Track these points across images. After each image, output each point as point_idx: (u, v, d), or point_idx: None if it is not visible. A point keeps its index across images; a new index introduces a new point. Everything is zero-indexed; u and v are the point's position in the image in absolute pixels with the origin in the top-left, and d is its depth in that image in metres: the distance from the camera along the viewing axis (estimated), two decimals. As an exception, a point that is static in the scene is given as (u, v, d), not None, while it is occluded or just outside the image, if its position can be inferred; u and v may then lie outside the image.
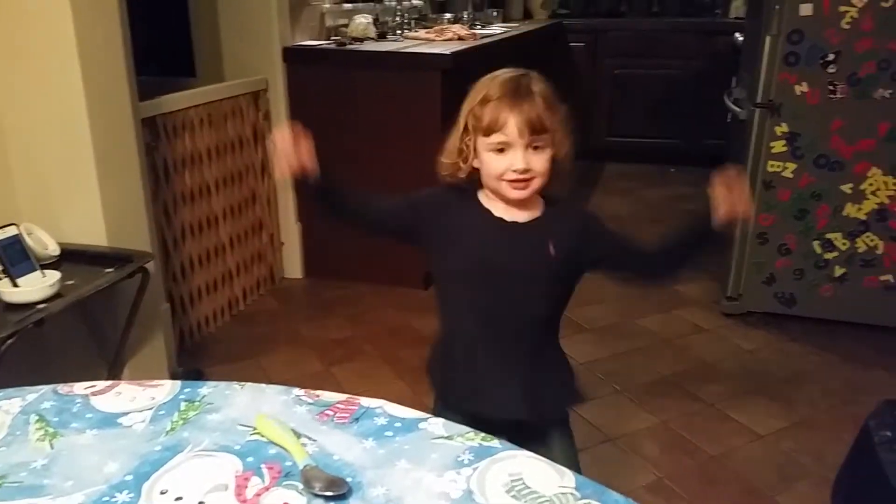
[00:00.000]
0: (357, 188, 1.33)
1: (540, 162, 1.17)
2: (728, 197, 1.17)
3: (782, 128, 2.56)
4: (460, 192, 1.25)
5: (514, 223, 1.22)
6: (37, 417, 0.94)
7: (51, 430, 0.91)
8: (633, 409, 2.27)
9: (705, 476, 1.97)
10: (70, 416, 0.94)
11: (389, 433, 0.90)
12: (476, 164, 1.20)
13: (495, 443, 0.88)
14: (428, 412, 0.96)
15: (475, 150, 1.20)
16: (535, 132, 1.15)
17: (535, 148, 1.17)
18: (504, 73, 1.20)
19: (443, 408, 1.31)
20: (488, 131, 1.17)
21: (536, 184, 1.19)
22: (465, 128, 1.20)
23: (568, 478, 0.82)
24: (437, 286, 1.32)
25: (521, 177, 1.17)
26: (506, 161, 1.17)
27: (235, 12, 2.88)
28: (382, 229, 1.36)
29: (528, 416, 1.28)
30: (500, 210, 1.23)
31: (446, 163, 1.24)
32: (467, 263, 1.24)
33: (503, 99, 1.16)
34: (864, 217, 2.57)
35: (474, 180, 1.23)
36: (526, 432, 1.23)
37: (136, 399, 0.98)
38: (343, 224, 1.35)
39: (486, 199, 1.24)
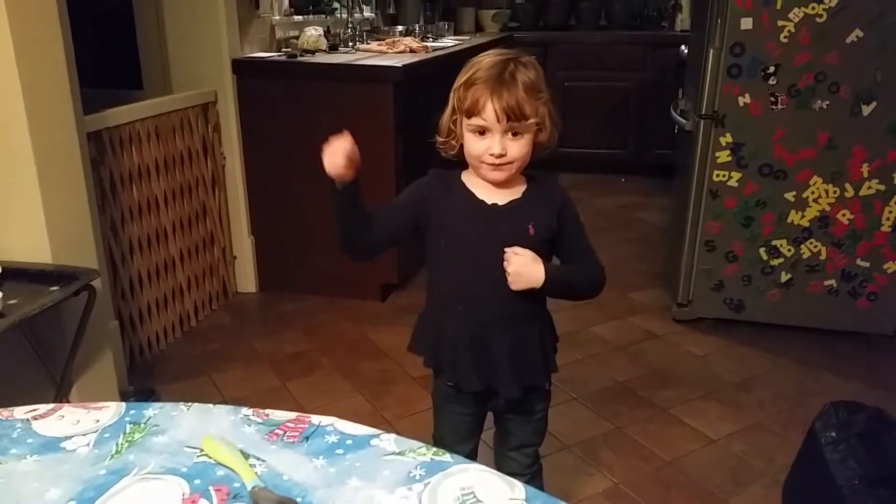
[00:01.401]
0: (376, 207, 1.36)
1: (517, 148, 1.21)
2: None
3: (727, 138, 2.62)
4: (444, 177, 1.31)
5: (495, 206, 1.27)
6: (-26, 445, 0.91)
7: (-11, 457, 0.88)
8: (588, 416, 2.29)
9: (661, 481, 2.00)
10: (9, 442, 0.91)
11: (340, 451, 0.89)
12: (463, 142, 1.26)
13: (447, 457, 0.88)
14: (386, 425, 0.96)
15: (460, 129, 1.25)
16: (513, 119, 1.19)
17: (514, 134, 1.21)
18: (492, 56, 1.23)
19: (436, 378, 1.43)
20: (469, 113, 1.21)
21: (514, 168, 1.24)
22: (453, 107, 1.25)
23: (518, 489, 0.82)
24: (427, 266, 1.38)
25: (497, 161, 1.21)
26: (484, 144, 1.22)
27: (183, 23, 2.84)
28: (386, 245, 1.38)
29: (509, 389, 1.35)
30: (481, 192, 1.28)
31: (440, 140, 1.29)
32: (452, 246, 1.30)
33: (485, 83, 1.19)
34: (807, 224, 2.65)
35: (460, 161, 1.29)
36: (509, 400, 1.37)
37: (80, 422, 0.95)
38: (352, 246, 1.38)
39: (469, 181, 1.29)
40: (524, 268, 1.25)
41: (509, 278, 1.25)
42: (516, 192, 1.28)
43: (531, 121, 1.20)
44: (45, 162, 1.86)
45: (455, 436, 1.47)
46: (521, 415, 1.45)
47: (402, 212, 1.34)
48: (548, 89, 1.24)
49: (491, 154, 1.21)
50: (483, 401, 1.42)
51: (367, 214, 1.32)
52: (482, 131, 1.21)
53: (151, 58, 2.94)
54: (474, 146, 1.23)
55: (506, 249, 1.25)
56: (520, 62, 1.22)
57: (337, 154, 1.22)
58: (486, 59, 1.23)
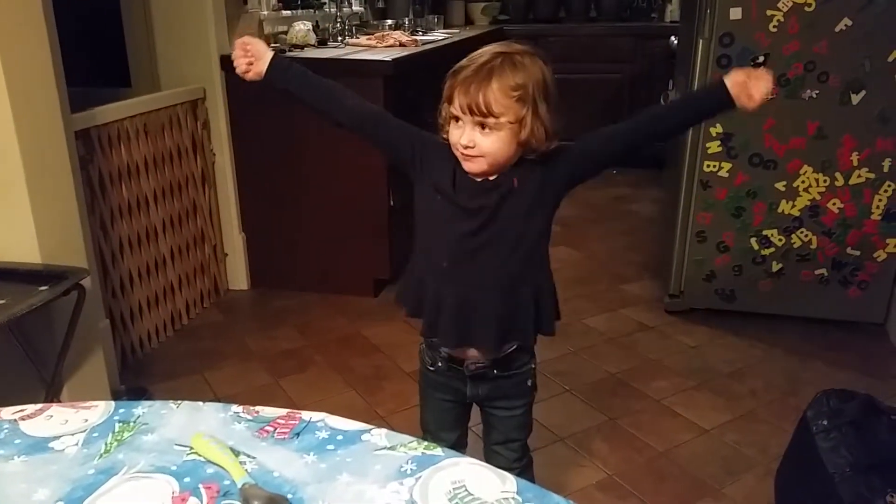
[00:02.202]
0: (330, 82, 1.42)
1: (487, 143, 1.20)
2: (745, 84, 1.22)
3: (717, 128, 2.62)
4: (448, 148, 1.29)
5: (483, 181, 1.26)
6: (-38, 446, 0.90)
7: (-23, 458, 0.88)
8: (582, 408, 2.30)
9: (654, 472, 2.00)
10: (-3, 443, 0.90)
11: (331, 446, 0.88)
12: None
13: (438, 451, 0.87)
14: (379, 420, 0.96)
15: (446, 115, 1.25)
16: (478, 114, 1.18)
17: (484, 128, 1.20)
18: (490, 49, 1.23)
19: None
20: (448, 101, 1.23)
21: (485, 163, 1.22)
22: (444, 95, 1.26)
23: (510, 482, 0.82)
24: (415, 214, 1.36)
25: (466, 152, 1.21)
26: (457, 133, 1.22)
27: (170, 20, 2.82)
28: (361, 122, 1.39)
29: (488, 344, 1.34)
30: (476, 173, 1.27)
31: (440, 124, 1.28)
32: (437, 208, 1.29)
33: (463, 75, 1.20)
34: (797, 213, 2.65)
35: None
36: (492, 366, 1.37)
37: (69, 422, 0.95)
38: (329, 119, 1.42)
39: None
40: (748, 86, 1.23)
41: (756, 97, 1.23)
42: (514, 179, 1.27)
43: (502, 119, 1.19)
44: (33, 161, 1.85)
45: (438, 423, 1.48)
46: (502, 397, 1.43)
47: (403, 133, 1.34)
48: (543, 91, 1.22)
49: (461, 144, 1.21)
50: (462, 388, 1.40)
51: (321, 86, 1.40)
52: (457, 119, 1.22)
53: (139, 55, 2.92)
54: (451, 134, 1.24)
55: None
56: (511, 60, 1.21)
57: (239, 59, 1.33)
58: (482, 51, 1.23)
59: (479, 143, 1.20)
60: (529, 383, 1.45)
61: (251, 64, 1.39)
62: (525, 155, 1.24)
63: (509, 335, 1.34)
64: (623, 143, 1.34)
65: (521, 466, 1.50)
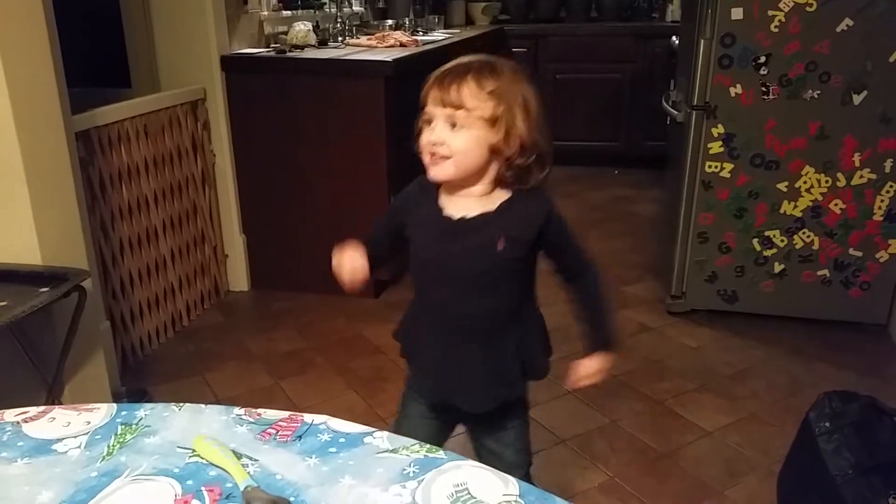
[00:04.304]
0: (379, 240, 1.38)
1: (457, 140, 1.16)
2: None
3: (718, 129, 2.62)
4: (425, 188, 1.27)
5: (462, 220, 1.22)
6: (-37, 449, 0.90)
7: (-21, 461, 0.87)
8: (583, 409, 2.29)
9: (656, 474, 2.00)
10: (0, 446, 0.90)
11: (333, 449, 0.88)
12: None
13: (440, 454, 0.87)
14: (381, 422, 0.96)
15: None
16: (450, 106, 1.16)
17: (453, 125, 1.17)
18: (462, 58, 1.22)
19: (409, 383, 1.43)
20: (422, 105, 1.20)
21: (452, 165, 1.18)
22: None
23: (512, 485, 0.81)
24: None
25: (433, 150, 1.18)
26: (427, 134, 1.19)
27: (170, 20, 2.82)
28: (389, 254, 1.38)
29: (481, 406, 1.33)
30: (453, 205, 1.23)
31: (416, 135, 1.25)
32: (420, 261, 1.29)
33: (438, 76, 1.19)
34: (799, 214, 2.65)
35: None
36: (483, 417, 1.35)
37: (71, 424, 0.94)
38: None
39: (443, 196, 1.25)
40: (595, 376, 1.35)
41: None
42: (491, 205, 1.22)
43: (474, 114, 1.15)
44: (33, 162, 1.84)
45: (411, 434, 1.45)
46: (490, 427, 1.41)
47: (388, 222, 1.36)
48: (523, 105, 1.19)
49: (429, 142, 1.18)
50: (446, 410, 1.38)
51: (387, 242, 1.37)
52: (430, 121, 1.19)
53: (139, 56, 2.92)
54: (422, 139, 1.20)
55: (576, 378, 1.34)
56: (493, 66, 1.19)
57: (345, 280, 1.30)
58: (454, 61, 1.21)
59: (449, 140, 1.16)
60: (523, 395, 1.41)
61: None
62: (500, 176, 1.20)
63: (496, 391, 1.32)
64: (557, 266, 1.33)
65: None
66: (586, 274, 1.34)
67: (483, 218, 1.22)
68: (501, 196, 1.23)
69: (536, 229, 1.23)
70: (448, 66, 1.20)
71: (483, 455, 1.44)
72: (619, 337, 1.39)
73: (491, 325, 1.28)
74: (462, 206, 1.23)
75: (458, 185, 1.22)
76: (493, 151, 1.18)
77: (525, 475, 1.46)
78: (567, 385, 1.36)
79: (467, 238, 1.22)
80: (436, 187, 1.26)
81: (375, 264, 1.31)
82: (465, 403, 1.33)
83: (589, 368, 1.35)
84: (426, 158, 1.20)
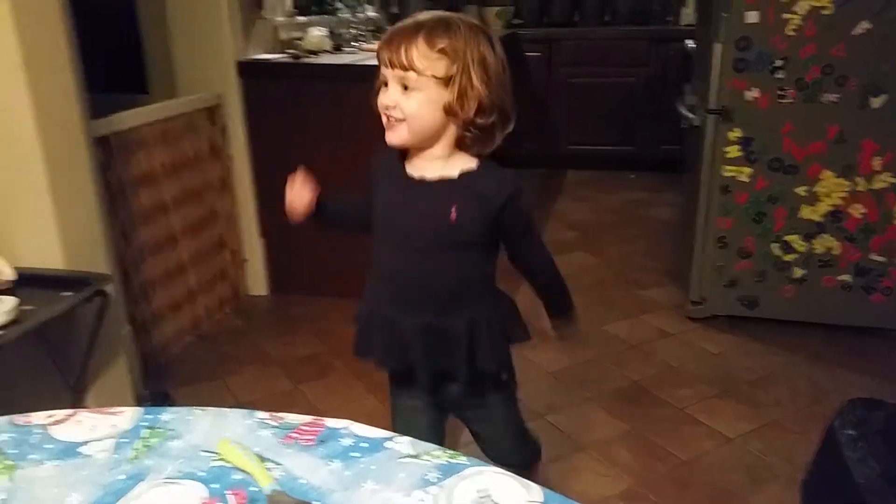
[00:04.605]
0: (348, 200, 1.38)
1: (408, 104, 1.13)
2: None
3: (735, 133, 2.60)
4: (393, 154, 1.24)
5: (422, 181, 1.20)
6: (-7, 451, 0.91)
7: (9, 462, 0.88)
8: (603, 416, 2.28)
9: (677, 481, 1.98)
10: (29, 448, 0.91)
11: (355, 454, 0.88)
12: None
13: (462, 459, 0.87)
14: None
15: None
16: (398, 67, 1.11)
17: (406, 88, 1.13)
18: (423, 14, 1.17)
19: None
20: (378, 65, 1.17)
21: (406, 129, 1.15)
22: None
23: (535, 492, 0.81)
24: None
25: (388, 113, 1.15)
26: (382, 97, 1.16)
27: (187, 27, 2.85)
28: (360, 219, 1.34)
29: (423, 378, 1.29)
30: (415, 165, 1.21)
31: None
32: (380, 220, 1.26)
33: (388, 36, 1.15)
34: (819, 219, 2.63)
35: None
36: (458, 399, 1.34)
37: (97, 427, 0.95)
38: (349, 234, 1.40)
39: (409, 156, 1.23)
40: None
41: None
42: (452, 170, 1.19)
43: (426, 75, 1.11)
44: (55, 168, 1.87)
45: (407, 430, 1.42)
46: (471, 409, 1.39)
47: (365, 192, 1.32)
48: (481, 63, 1.13)
49: (383, 105, 1.15)
50: (430, 390, 1.34)
51: (357, 210, 1.33)
52: (385, 83, 1.15)
53: (156, 62, 2.95)
54: (378, 101, 1.17)
55: None
56: (447, 23, 1.13)
57: (291, 208, 1.29)
58: (419, 14, 1.17)
59: (402, 104, 1.13)
60: (504, 377, 1.38)
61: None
62: (460, 138, 1.17)
63: (445, 360, 1.28)
64: (509, 251, 1.31)
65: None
66: (539, 261, 1.33)
67: (441, 183, 1.19)
68: (466, 163, 1.20)
69: (493, 211, 1.19)
70: (400, 24, 1.16)
71: (482, 447, 1.44)
72: (569, 304, 1.41)
73: (441, 297, 1.24)
74: (422, 167, 1.21)
75: (417, 147, 1.19)
76: (449, 112, 1.14)
77: (525, 463, 1.45)
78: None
79: (422, 201, 1.20)
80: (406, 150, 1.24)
81: (331, 215, 1.34)
82: (419, 370, 1.29)
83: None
84: (384, 121, 1.18)
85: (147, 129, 2.53)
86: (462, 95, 1.12)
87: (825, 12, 2.40)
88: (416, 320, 1.24)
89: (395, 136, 1.17)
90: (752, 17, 2.47)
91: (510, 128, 1.19)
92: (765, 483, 1.96)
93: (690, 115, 2.89)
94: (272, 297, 3.19)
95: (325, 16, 3.60)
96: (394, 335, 1.27)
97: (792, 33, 2.45)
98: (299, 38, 3.26)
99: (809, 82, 2.48)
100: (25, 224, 1.90)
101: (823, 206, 2.61)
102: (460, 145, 1.19)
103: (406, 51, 1.10)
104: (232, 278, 3.09)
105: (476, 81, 1.12)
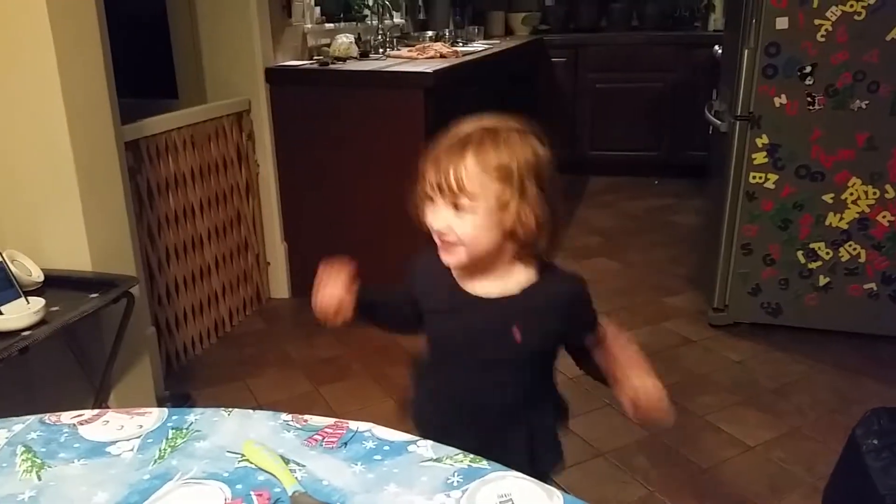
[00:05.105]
0: (391, 295, 1.24)
1: (462, 227, 1.03)
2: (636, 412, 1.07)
3: (763, 139, 2.59)
4: (433, 256, 1.12)
5: (480, 299, 1.10)
6: (23, 448, 0.93)
7: (38, 461, 0.90)
8: (622, 422, 2.27)
9: (697, 489, 1.97)
10: (57, 447, 0.93)
11: (378, 457, 0.89)
12: None
13: (484, 464, 0.88)
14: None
15: None
16: (450, 193, 1.02)
17: (457, 208, 1.03)
18: (468, 125, 1.07)
19: None
20: (421, 177, 1.07)
21: (464, 252, 1.05)
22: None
23: (557, 498, 0.81)
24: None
25: (442, 238, 1.06)
26: (430, 216, 1.06)
27: (217, 33, 2.89)
28: (400, 318, 1.24)
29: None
30: (467, 281, 1.11)
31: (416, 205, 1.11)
32: (434, 335, 1.17)
33: (436, 149, 1.06)
34: (845, 226, 2.60)
35: None
36: None
37: (124, 427, 0.97)
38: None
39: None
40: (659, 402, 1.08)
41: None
42: (512, 285, 1.09)
43: (478, 200, 1.01)
44: (86, 171, 1.90)
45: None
46: None
47: (404, 295, 1.21)
48: (534, 173, 1.03)
49: (433, 228, 1.05)
50: None
51: (400, 308, 1.21)
52: (432, 200, 1.05)
53: (186, 67, 2.99)
54: (427, 219, 1.07)
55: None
56: (494, 136, 1.03)
57: (324, 301, 1.15)
58: (465, 124, 1.07)
59: (455, 227, 1.03)
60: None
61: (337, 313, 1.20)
62: (519, 254, 1.08)
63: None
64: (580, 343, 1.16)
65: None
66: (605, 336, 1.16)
67: (505, 301, 1.09)
68: (525, 275, 1.10)
69: (561, 321, 1.10)
70: (444, 139, 1.06)
71: None
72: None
73: (502, 411, 1.15)
74: (477, 282, 1.10)
75: (471, 267, 1.09)
76: (508, 235, 1.05)
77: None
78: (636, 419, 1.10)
79: (480, 320, 1.10)
80: None
81: (369, 310, 1.20)
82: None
83: (648, 390, 1.09)
84: (435, 239, 1.07)
85: (176, 134, 2.56)
86: (520, 217, 1.03)
87: (857, 18, 2.38)
88: (471, 432, 1.13)
89: (453, 259, 1.07)
90: (782, 23, 2.45)
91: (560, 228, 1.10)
92: (786, 492, 1.94)
93: (718, 122, 2.87)
94: (294, 301, 3.22)
95: (352, 23, 3.63)
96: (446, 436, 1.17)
97: (823, 39, 2.43)
98: (327, 45, 3.29)
99: (840, 89, 2.46)
100: (54, 226, 1.93)
101: (850, 214, 2.58)
102: (520, 258, 1.09)
103: (455, 173, 1.01)
104: (255, 281, 3.12)
105: (532, 196, 1.03)
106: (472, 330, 1.11)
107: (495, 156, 1.02)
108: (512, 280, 1.09)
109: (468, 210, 1.02)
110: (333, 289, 1.15)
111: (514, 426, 1.16)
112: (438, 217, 1.04)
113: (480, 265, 1.08)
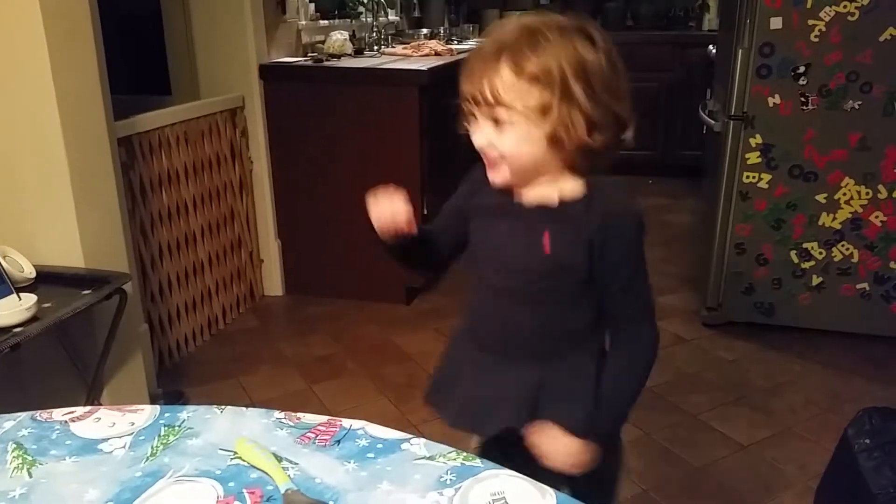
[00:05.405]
0: (427, 232, 1.14)
1: (504, 142, 0.97)
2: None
3: (756, 139, 2.59)
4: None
5: (519, 206, 1.04)
6: (14, 445, 0.92)
7: (29, 458, 0.89)
8: (616, 421, 2.28)
9: (690, 488, 1.98)
10: (49, 444, 0.92)
11: (371, 455, 0.89)
12: None
13: (477, 462, 0.87)
14: (412, 429, 0.96)
15: None
16: (486, 105, 0.96)
17: (497, 123, 0.97)
18: (506, 26, 0.98)
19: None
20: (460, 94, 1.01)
21: (508, 169, 1.00)
22: None
23: (549, 496, 0.81)
24: None
25: (484, 152, 1.01)
26: (474, 135, 1.01)
27: (211, 29, 2.87)
28: (455, 253, 1.16)
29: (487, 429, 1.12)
30: (519, 188, 1.04)
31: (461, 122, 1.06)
32: (473, 241, 1.11)
33: (468, 66, 0.99)
34: (838, 226, 2.61)
35: None
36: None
37: (116, 425, 0.96)
38: (425, 272, 1.24)
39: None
40: (554, 453, 1.03)
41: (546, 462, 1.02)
42: (557, 194, 1.02)
43: (517, 108, 0.94)
44: (78, 168, 1.89)
45: None
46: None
47: (449, 217, 1.15)
48: (581, 72, 0.94)
49: (477, 145, 1.00)
50: None
51: (428, 241, 1.13)
52: (474, 116, 1.00)
53: (180, 64, 2.98)
54: (471, 136, 1.02)
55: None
56: (532, 37, 0.94)
57: (396, 213, 1.03)
58: (504, 25, 0.99)
59: (497, 143, 0.98)
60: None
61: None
62: (571, 163, 1.00)
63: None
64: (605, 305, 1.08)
65: None
66: (632, 336, 1.10)
67: (539, 209, 1.02)
68: (570, 187, 1.02)
69: (594, 245, 1.00)
70: (477, 47, 1.00)
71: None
72: (613, 431, 1.13)
73: (542, 345, 1.08)
74: (525, 191, 1.04)
75: (519, 182, 1.03)
76: (553, 143, 0.97)
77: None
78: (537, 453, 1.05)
79: (520, 227, 1.04)
80: None
81: (426, 257, 1.14)
82: (474, 427, 1.15)
83: (559, 445, 1.03)
84: (483, 157, 1.03)
85: (169, 130, 2.55)
86: (565, 122, 0.95)
87: (851, 18, 2.39)
88: (504, 376, 1.09)
89: (499, 177, 1.01)
90: (776, 23, 2.46)
91: (630, 132, 1.01)
92: (778, 491, 1.95)
93: (712, 121, 2.88)
94: (287, 298, 3.21)
95: (347, 20, 3.62)
96: (474, 394, 1.12)
97: (816, 40, 2.43)
98: (321, 42, 3.28)
99: (833, 89, 2.47)
100: (47, 222, 1.92)
101: (843, 214, 2.59)
102: (571, 168, 1.01)
103: (490, 83, 0.95)
104: (248, 279, 3.11)
105: (580, 98, 0.94)
106: (503, 235, 1.05)
107: (533, 60, 0.94)
108: (556, 189, 1.02)
109: (508, 123, 0.96)
110: (398, 202, 1.04)
111: (553, 362, 1.08)
112: (479, 134, 0.99)
113: (528, 177, 1.02)
